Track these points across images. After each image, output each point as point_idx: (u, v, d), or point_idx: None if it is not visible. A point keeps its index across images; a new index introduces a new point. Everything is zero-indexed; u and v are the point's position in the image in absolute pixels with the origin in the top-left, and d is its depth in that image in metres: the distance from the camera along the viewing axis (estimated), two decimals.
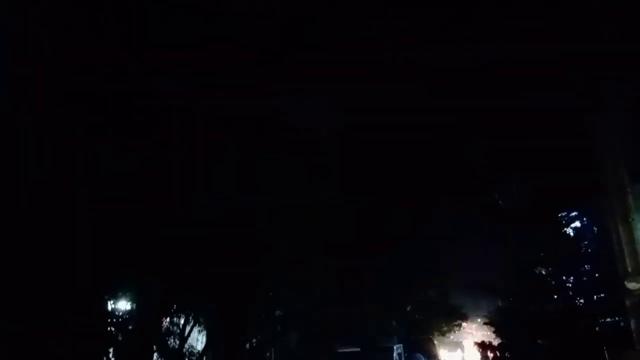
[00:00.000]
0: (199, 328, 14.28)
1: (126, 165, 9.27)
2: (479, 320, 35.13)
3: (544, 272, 12.63)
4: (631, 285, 5.96)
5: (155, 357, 11.24)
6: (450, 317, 32.24)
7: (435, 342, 30.41)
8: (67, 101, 8.71)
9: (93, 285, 9.81)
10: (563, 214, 14.10)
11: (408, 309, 23.98)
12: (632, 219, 6.43)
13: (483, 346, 14.42)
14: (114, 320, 10.45)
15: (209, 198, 10.18)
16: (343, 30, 11.79)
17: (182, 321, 12.28)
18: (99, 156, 9.06)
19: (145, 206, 9.44)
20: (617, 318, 12.02)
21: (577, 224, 13.08)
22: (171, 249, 10.39)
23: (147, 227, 9.98)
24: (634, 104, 7.24)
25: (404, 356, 22.41)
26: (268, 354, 15.94)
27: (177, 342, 11.88)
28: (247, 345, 16.11)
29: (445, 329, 34.71)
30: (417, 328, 28.35)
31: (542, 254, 12.71)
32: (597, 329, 11.80)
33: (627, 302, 6.05)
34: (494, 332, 13.80)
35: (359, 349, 19.21)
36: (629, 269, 6.04)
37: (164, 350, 11.32)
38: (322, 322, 16.33)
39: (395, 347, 21.46)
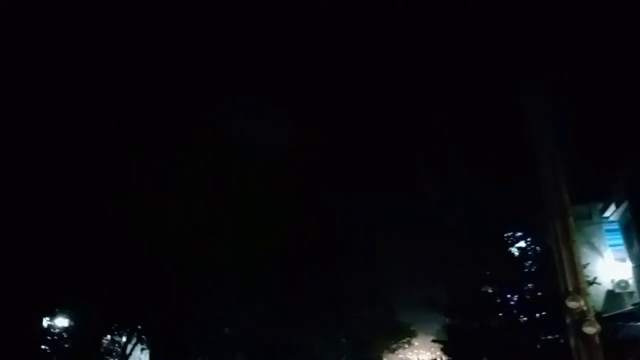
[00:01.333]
0: (142, 346, 13.69)
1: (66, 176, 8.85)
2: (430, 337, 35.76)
3: (489, 290, 12.94)
4: (572, 305, 6.17)
5: None
6: (397, 335, 32.56)
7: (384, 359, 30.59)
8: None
9: (25, 301, 9.22)
10: (509, 234, 14.55)
11: (352, 326, 23.97)
12: (574, 240, 6.68)
13: None
14: (50, 338, 9.81)
15: (147, 210, 9.86)
16: None
17: (123, 339, 11.72)
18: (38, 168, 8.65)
19: (80, 219, 9.04)
20: (556, 336, 12.48)
21: (522, 243, 13.53)
22: (109, 264, 9.96)
23: (82, 242, 9.54)
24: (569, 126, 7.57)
25: None
26: None
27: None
28: None
29: (394, 346, 35.02)
30: (365, 346, 28.44)
31: (487, 273, 13.05)
32: (538, 346, 12.17)
33: (568, 320, 6.24)
34: (441, 349, 14.01)
35: None
36: (570, 288, 6.25)
37: None
38: (267, 341, 16.05)
39: None
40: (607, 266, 16.13)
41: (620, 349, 12.21)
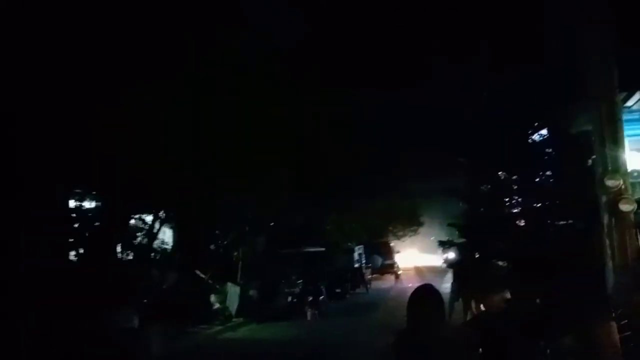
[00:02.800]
0: (171, 226, 14.20)
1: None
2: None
3: (506, 177, 12.99)
4: (610, 183, 6.12)
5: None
6: (406, 223, 33.84)
7: (392, 245, 32.12)
8: None
9: (51, 181, 9.28)
10: (529, 123, 14.28)
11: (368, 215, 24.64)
12: (619, 119, 6.45)
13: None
14: (77, 216, 10.07)
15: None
16: None
17: (150, 219, 12.07)
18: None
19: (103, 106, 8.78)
20: (569, 221, 12.74)
21: (544, 131, 13.30)
22: (132, 148, 9.88)
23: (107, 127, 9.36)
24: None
25: (364, 257, 23.58)
26: (236, 253, 16.22)
27: (146, 239, 11.73)
28: (214, 246, 16.31)
29: (400, 233, 36.60)
30: (376, 232, 29.66)
31: (506, 159, 13.00)
32: (550, 230, 12.42)
33: (604, 199, 6.24)
34: (458, 231, 14.49)
35: (323, 249, 19.97)
36: (609, 168, 6.15)
37: (131, 246, 11.17)
38: (288, 225, 16.58)
39: (356, 249, 22.48)
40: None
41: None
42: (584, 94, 15.40)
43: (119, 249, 11.00)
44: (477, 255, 13.39)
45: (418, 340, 2.83)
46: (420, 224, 36.00)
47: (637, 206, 12.87)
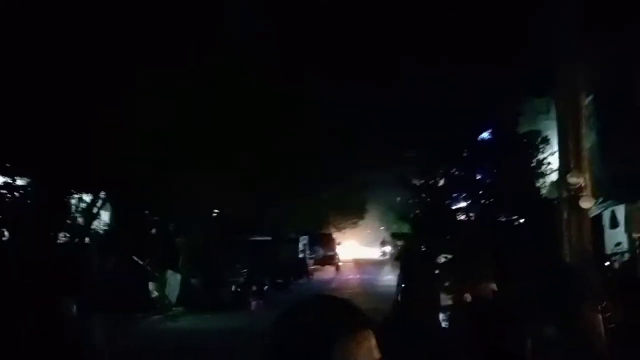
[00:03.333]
0: (107, 208, 13.29)
1: None
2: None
3: (458, 173, 13.29)
4: (572, 180, 6.28)
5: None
6: (349, 215, 34.06)
7: (334, 237, 32.29)
8: None
9: None
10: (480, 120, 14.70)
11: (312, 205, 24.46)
12: (581, 117, 6.63)
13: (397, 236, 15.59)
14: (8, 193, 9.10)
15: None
16: None
17: (88, 199, 11.18)
18: None
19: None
20: (514, 217, 13.27)
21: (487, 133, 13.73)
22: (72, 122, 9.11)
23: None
24: None
25: (308, 248, 23.51)
26: (178, 239, 15.49)
27: (83, 221, 10.85)
28: (154, 232, 15.50)
29: (341, 225, 36.89)
30: (318, 223, 29.64)
31: (460, 155, 13.31)
32: (495, 225, 12.86)
33: (564, 194, 6.38)
34: (410, 223, 14.64)
35: (270, 238, 19.64)
36: (572, 165, 6.31)
37: (68, 228, 10.28)
38: (234, 212, 16.06)
39: (301, 239, 22.36)
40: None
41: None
42: (545, 94, 16.05)
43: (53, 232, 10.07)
44: (423, 249, 13.65)
45: None
46: (362, 217, 36.42)
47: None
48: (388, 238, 55.79)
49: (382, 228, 54.71)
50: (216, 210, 16.24)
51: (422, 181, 13.81)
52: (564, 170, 6.57)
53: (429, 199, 13.28)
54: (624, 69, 11.22)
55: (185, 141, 11.98)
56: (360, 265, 36.76)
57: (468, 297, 4.52)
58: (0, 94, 8.35)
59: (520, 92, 14.93)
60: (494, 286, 4.22)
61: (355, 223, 38.39)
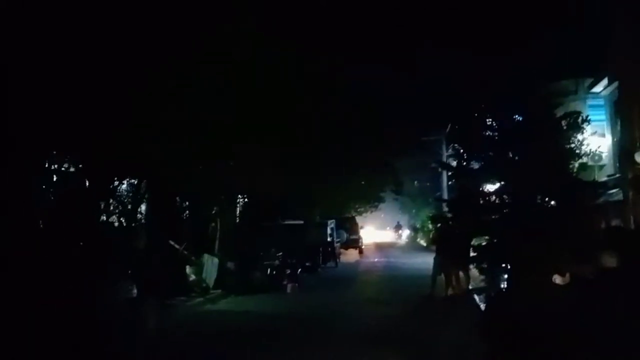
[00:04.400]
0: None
1: None
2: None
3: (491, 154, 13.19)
4: (639, 158, 6.22)
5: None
6: (369, 200, 34.16)
7: (357, 220, 32.47)
8: None
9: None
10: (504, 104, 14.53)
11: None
12: None
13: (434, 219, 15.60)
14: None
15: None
16: None
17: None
18: None
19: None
20: (547, 199, 13.16)
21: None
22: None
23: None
24: None
25: (335, 231, 23.67)
26: (213, 224, 15.66)
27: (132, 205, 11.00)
28: (189, 215, 15.68)
29: (361, 209, 37.01)
30: (342, 207, 29.80)
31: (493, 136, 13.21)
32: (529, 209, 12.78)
33: (630, 175, 6.34)
34: (447, 205, 14.61)
35: (302, 222, 19.77)
36: (638, 144, 6.25)
37: (117, 212, 10.44)
38: (268, 196, 16.15)
39: (329, 223, 22.52)
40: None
41: (603, 211, 13.15)
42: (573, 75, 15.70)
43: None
44: (457, 231, 13.65)
45: None
46: (382, 200, 36.49)
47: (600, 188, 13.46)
48: (403, 222, 56.35)
49: (382, 215, 55.01)
50: (250, 194, 16.32)
51: (457, 163, 13.75)
52: (628, 149, 6.50)
53: (465, 182, 13.23)
54: None
55: (215, 129, 12.01)
56: (381, 248, 36.98)
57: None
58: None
59: (548, 73, 14.77)
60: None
61: (376, 206, 38.48)
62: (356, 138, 17.30)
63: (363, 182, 24.50)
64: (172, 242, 14.19)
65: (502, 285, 12.03)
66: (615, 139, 17.09)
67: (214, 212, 15.77)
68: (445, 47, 20.20)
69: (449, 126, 19.95)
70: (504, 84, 13.94)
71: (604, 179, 15.64)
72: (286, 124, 13.63)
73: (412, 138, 25.56)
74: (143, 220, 13.37)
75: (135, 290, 7.73)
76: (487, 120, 14.05)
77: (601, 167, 17.46)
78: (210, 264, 14.59)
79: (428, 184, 42.58)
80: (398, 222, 55.12)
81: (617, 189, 14.53)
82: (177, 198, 15.00)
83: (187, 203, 16.32)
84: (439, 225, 16.47)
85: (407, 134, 23.72)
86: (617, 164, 16.62)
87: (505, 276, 11.82)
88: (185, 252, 14.35)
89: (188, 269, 14.29)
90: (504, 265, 11.93)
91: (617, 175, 15.66)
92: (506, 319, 3.00)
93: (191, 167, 12.47)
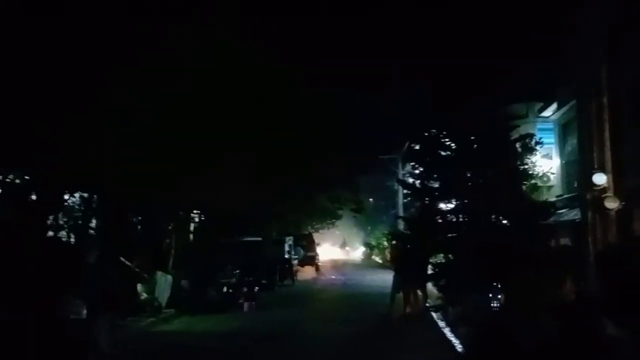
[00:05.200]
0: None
1: None
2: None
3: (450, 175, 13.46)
4: (598, 180, 6.46)
5: None
6: (325, 217, 34.07)
7: (314, 237, 32.30)
8: None
9: None
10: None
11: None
12: (605, 119, 6.83)
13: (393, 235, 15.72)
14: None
15: None
16: None
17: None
18: None
19: None
20: (499, 217, 13.50)
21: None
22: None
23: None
24: None
25: (293, 249, 23.40)
26: (168, 240, 15.06)
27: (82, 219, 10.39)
28: (142, 231, 15.04)
29: (318, 226, 36.92)
30: (298, 224, 29.60)
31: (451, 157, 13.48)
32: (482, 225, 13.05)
33: (588, 196, 6.57)
34: (405, 222, 14.73)
35: (260, 239, 19.37)
36: (595, 166, 6.49)
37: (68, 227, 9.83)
38: (226, 212, 15.73)
39: (286, 240, 22.24)
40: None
41: (554, 231, 13.69)
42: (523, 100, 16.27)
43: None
44: (415, 249, 13.77)
45: None
46: (339, 217, 36.51)
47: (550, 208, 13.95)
48: (359, 239, 57.07)
49: (337, 232, 55.92)
50: (203, 211, 15.87)
51: (418, 182, 13.92)
52: (587, 171, 6.74)
53: (425, 200, 13.39)
54: None
55: (171, 144, 11.61)
56: (337, 265, 36.91)
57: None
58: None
59: (502, 98, 15.33)
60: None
61: (333, 223, 38.50)
62: (319, 155, 17.24)
63: (324, 199, 24.45)
64: (123, 259, 13.54)
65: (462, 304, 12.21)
66: (563, 161, 17.99)
67: (169, 228, 15.16)
68: (402, 70, 20.66)
69: (406, 145, 20.33)
70: (462, 108, 14.36)
71: (553, 199, 16.36)
72: (245, 140, 13.39)
73: (369, 156, 25.84)
74: (93, 236, 12.64)
75: (84, 311, 7.29)
76: (445, 140, 14.42)
77: (549, 187, 18.33)
78: (164, 282, 14.00)
79: (383, 202, 43.14)
80: (344, 240, 56.60)
81: (567, 209, 15.21)
82: (130, 213, 14.33)
83: (139, 218, 15.67)
84: (393, 242, 16.58)
85: (364, 152, 23.95)
86: (565, 185, 17.41)
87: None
88: (137, 270, 13.71)
89: (139, 287, 13.64)
90: (461, 282, 12.16)
91: (566, 195, 16.40)
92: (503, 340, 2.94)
93: (143, 182, 11.99)
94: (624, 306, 3.56)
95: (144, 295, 13.71)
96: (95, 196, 11.04)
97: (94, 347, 7.18)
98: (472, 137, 14.35)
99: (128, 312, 12.55)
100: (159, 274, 14.05)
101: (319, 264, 30.95)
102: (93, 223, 12.95)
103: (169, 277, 14.23)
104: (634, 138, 9.49)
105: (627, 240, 6.88)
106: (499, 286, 9.81)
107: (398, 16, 14.96)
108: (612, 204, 6.47)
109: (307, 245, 28.95)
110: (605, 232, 6.45)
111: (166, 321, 13.09)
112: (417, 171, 14.62)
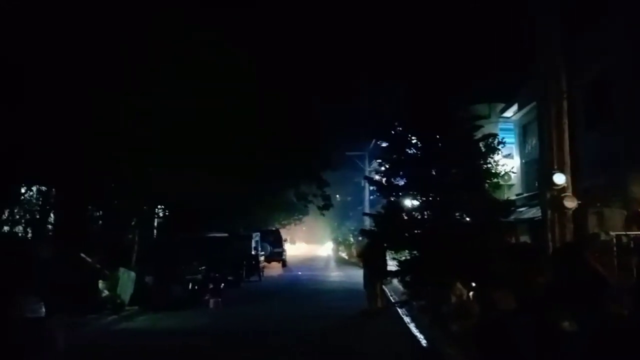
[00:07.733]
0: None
1: None
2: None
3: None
4: (558, 180, 6.68)
5: None
6: (292, 212, 34.05)
7: (282, 233, 32.19)
8: None
9: None
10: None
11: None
12: (565, 122, 7.06)
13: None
14: None
15: None
16: None
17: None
18: None
19: None
20: (463, 214, 13.79)
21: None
22: None
23: None
24: None
25: (259, 245, 23.29)
26: (131, 235, 14.70)
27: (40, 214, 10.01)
28: (103, 226, 14.65)
29: (285, 222, 36.82)
30: (267, 220, 29.45)
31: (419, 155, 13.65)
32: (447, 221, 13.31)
33: (548, 195, 6.79)
34: (374, 219, 14.84)
35: (226, 235, 19.17)
36: (555, 167, 6.72)
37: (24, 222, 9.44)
38: (191, 207, 15.49)
39: (253, 235, 22.09)
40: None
41: (514, 228, 14.14)
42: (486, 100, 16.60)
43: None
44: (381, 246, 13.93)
45: None
46: (306, 213, 36.51)
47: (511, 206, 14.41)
48: (325, 235, 57.15)
49: (304, 228, 55.86)
50: (168, 205, 15.58)
51: (385, 179, 14.04)
52: (546, 171, 6.96)
53: (391, 197, 13.53)
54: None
55: (137, 137, 11.32)
56: (304, 261, 36.94)
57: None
58: None
59: (466, 98, 15.68)
60: None
61: (300, 219, 38.51)
62: (288, 150, 17.14)
63: (291, 195, 24.37)
64: (83, 255, 13.16)
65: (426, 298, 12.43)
66: (523, 161, 18.59)
67: (132, 223, 14.81)
68: (371, 70, 20.85)
69: (373, 142, 20.50)
70: (427, 106, 14.56)
71: (513, 197, 16.87)
72: (214, 136, 13.19)
73: (336, 152, 25.96)
74: (51, 231, 12.22)
75: (43, 309, 7.05)
76: (411, 138, 14.60)
77: (510, 186, 18.92)
78: (126, 278, 13.68)
79: (349, 198, 43.44)
80: (286, 238, 56.96)
81: (526, 208, 15.67)
82: (90, 207, 13.92)
83: (100, 213, 15.25)
84: (360, 238, 16.71)
85: (332, 148, 24.01)
86: (525, 184, 17.98)
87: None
88: (98, 266, 13.36)
89: (101, 284, 13.28)
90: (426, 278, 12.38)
91: (525, 194, 16.93)
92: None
93: (104, 174, 11.67)
94: (573, 296, 3.79)
95: (106, 292, 13.36)
96: (53, 189, 10.62)
97: (50, 347, 6.96)
98: (437, 136, 14.63)
99: (88, 309, 12.24)
100: (122, 270, 13.71)
101: (286, 259, 30.94)
102: (52, 218, 12.51)
103: (132, 274, 13.91)
104: (588, 141, 9.93)
105: (580, 238, 7.25)
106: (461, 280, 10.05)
107: (368, 14, 15.09)
108: (570, 203, 6.71)
109: (274, 241, 28.87)
110: (563, 230, 6.70)
111: (129, 319, 12.81)
112: (383, 168, 14.79)
